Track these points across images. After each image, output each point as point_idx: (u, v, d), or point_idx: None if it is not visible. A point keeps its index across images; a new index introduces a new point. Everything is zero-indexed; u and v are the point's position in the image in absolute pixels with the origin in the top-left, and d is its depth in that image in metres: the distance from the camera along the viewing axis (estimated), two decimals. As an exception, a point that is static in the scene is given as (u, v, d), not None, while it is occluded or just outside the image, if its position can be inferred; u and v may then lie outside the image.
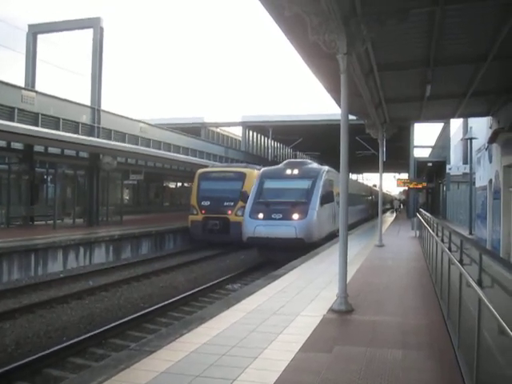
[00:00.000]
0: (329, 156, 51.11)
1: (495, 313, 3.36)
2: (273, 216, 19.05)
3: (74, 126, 26.13)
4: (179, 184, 51.04)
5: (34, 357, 8.47)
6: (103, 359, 7.75)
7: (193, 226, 25.95)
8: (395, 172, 72.01)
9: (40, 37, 29.57)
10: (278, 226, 18.76)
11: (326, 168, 22.06)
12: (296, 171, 21.05)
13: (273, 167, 23.51)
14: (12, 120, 21.56)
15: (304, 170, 21.31)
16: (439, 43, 10.69)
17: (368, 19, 8.44)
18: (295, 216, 18.94)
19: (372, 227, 29.48)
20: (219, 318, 7.57)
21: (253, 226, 19.05)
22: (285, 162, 23.54)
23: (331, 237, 20.74)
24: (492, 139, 17.01)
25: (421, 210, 24.79)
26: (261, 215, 19.27)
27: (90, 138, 24.35)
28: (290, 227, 18.61)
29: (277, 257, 18.52)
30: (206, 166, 30.19)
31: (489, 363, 4.10)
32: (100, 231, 22.10)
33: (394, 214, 49.31)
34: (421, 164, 44.44)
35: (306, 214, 19.03)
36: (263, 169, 22.84)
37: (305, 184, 20.32)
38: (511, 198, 15.13)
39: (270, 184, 20.79)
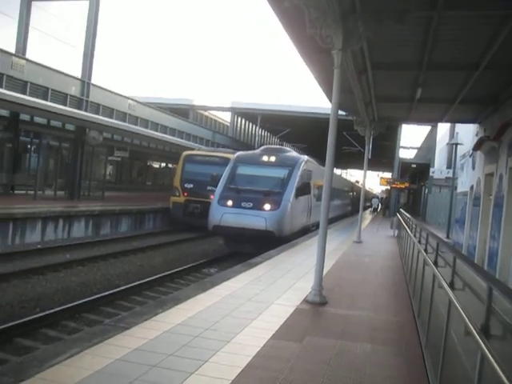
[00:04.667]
0: (315, 149, 51.19)
1: (464, 315, 3.47)
2: (243, 204, 17.85)
3: (62, 98, 25.85)
4: (163, 164, 50.80)
5: (5, 325, 8.48)
6: (76, 333, 7.80)
7: (174, 208, 25.96)
8: (379, 170, 72.43)
9: (34, 3, 29.15)
10: (247, 215, 17.54)
11: (305, 157, 21.08)
12: (273, 158, 19.72)
13: (249, 152, 22.28)
14: (0, 86, 21.29)
15: (281, 157, 20.00)
16: (433, 48, 10.79)
17: (366, 17, 8.51)
18: (267, 206, 17.78)
19: (351, 223, 29.68)
20: (194, 301, 7.65)
21: (220, 213, 17.87)
22: (262, 147, 22.53)
23: (304, 232, 20.17)
24: (477, 147, 17.20)
25: (401, 210, 25.01)
26: (230, 202, 18.07)
27: (78, 111, 24.14)
28: (260, 218, 17.47)
29: (244, 249, 17.56)
30: (192, 149, 30.13)
31: (453, 363, 4.23)
32: (81, 205, 22.01)
33: (372, 215, 49.06)
34: (405, 165, 44.78)
35: (278, 205, 17.88)
36: (238, 153, 21.59)
37: (281, 173, 19.11)
38: (490, 205, 15.32)
39: (243, 170, 19.49)
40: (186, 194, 25.54)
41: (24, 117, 24.46)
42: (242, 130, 59.53)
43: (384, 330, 7.24)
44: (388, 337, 6.89)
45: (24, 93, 22.53)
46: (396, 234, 23.52)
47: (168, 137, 34.17)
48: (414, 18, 9.05)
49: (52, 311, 9.67)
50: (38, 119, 25.57)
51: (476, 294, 3.77)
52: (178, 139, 35.89)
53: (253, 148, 34.63)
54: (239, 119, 57.45)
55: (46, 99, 23.69)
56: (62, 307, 10.01)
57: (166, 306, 7.15)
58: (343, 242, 19.00)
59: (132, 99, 34.01)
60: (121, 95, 32.38)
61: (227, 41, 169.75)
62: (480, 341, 2.91)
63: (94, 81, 28.40)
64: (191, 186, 25.58)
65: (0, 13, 26.22)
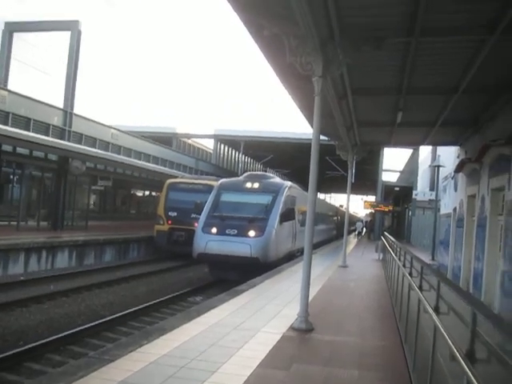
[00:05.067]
0: (298, 174, 51.46)
1: (448, 340, 3.48)
2: (227, 232, 17.74)
3: (44, 128, 25.85)
4: (147, 193, 50.63)
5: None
6: (61, 366, 7.68)
7: (158, 236, 25.83)
8: (363, 194, 72.83)
9: (16, 35, 29.30)
10: (231, 242, 17.44)
11: (288, 183, 21.10)
12: (256, 185, 19.75)
13: (232, 179, 22.33)
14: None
15: (265, 184, 20.04)
16: (412, 73, 10.97)
17: (345, 44, 8.65)
18: (251, 233, 17.71)
19: (336, 248, 29.71)
20: (180, 330, 7.58)
21: (204, 241, 17.75)
22: (245, 174, 22.58)
23: (289, 258, 20.07)
24: (458, 169, 17.41)
25: (385, 233, 25.07)
26: (214, 230, 17.97)
27: (61, 141, 24.12)
28: (245, 245, 17.37)
29: (229, 276, 17.50)
30: (176, 177, 30.09)
31: (441, 388, 4.23)
32: (64, 235, 21.81)
33: (357, 239, 48.97)
34: (388, 188, 45.08)
35: (263, 231, 17.84)
36: (221, 180, 21.62)
37: (264, 199, 19.12)
38: (473, 226, 15.46)
39: (226, 197, 19.50)
40: (169, 222, 25.46)
41: (6, 147, 24.33)
42: (225, 157, 59.74)
43: (371, 355, 7.22)
44: (375, 362, 6.87)
45: (6, 124, 22.48)
46: (381, 258, 23.57)
47: (151, 165, 34.18)
48: (392, 44, 9.21)
49: (36, 344, 9.52)
50: (20, 150, 25.44)
51: (461, 317, 3.79)
52: (161, 167, 35.92)
53: (236, 175, 34.71)
54: (222, 146, 57.68)
55: (28, 130, 23.69)
56: (46, 340, 9.85)
57: (152, 336, 7.07)
58: (328, 266, 19.00)
59: (115, 128, 34.05)
60: (103, 125, 32.42)
61: (209, 68, 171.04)
62: (465, 366, 2.92)
63: (76, 110, 28.46)
64: (175, 213, 25.51)
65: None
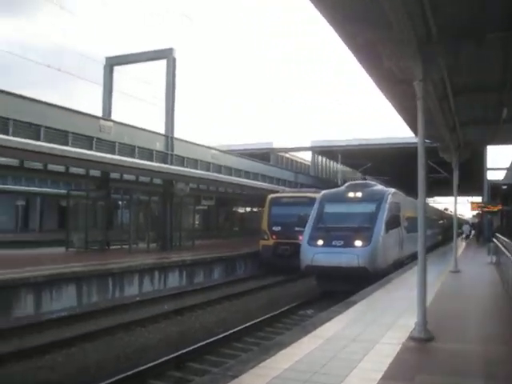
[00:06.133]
0: (399, 180, 50.37)
1: None
2: (333, 243, 17.66)
3: (148, 154, 26.94)
4: (248, 209, 51.40)
5: (113, 379, 8.72)
6: (182, 383, 7.90)
7: (263, 251, 26.11)
8: (467, 195, 70.05)
9: (116, 68, 30.76)
10: (338, 253, 17.33)
11: (391, 190, 20.81)
12: (359, 194, 19.54)
13: (333, 190, 22.22)
14: (91, 149, 22.46)
15: (367, 192, 19.82)
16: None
17: (443, 44, 8.39)
18: (358, 243, 17.53)
19: (444, 253, 28.70)
20: (298, 344, 7.60)
21: (311, 253, 17.79)
22: (346, 184, 22.52)
23: (397, 266, 19.51)
24: None
25: (497, 234, 23.97)
26: (320, 242, 17.95)
27: (165, 166, 25.09)
28: (352, 255, 17.23)
29: (337, 288, 17.01)
30: (276, 191, 30.38)
31: None
32: (173, 256, 22.56)
33: (464, 242, 46.93)
34: (495, 186, 43.15)
35: (369, 240, 17.59)
36: (323, 192, 21.55)
37: (368, 208, 18.89)
38: None
39: (330, 208, 19.43)
40: (274, 236, 25.68)
41: (114, 175, 25.61)
42: (324, 168, 59.57)
43: (498, 363, 6.92)
44: (503, 371, 6.58)
45: (112, 152, 23.64)
46: (494, 261, 22.54)
47: (251, 182, 34.71)
48: (494, 39, 8.85)
49: (157, 362, 9.84)
50: (127, 176, 26.67)
51: None
52: (261, 183, 36.39)
53: (336, 185, 34.55)
54: (320, 158, 57.59)
55: (132, 156, 24.75)
56: (166, 357, 10.16)
57: (271, 351, 7.14)
58: (440, 272, 18.38)
59: (214, 149, 34.92)
60: (203, 146, 33.34)
61: (303, 80, 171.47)
62: None
63: (176, 134, 29.44)
64: (279, 228, 25.72)
65: (84, 80, 27.73)
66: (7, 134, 18.47)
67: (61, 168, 23.36)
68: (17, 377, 9.33)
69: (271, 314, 14.82)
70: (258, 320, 13.95)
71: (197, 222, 38.74)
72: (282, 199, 27.26)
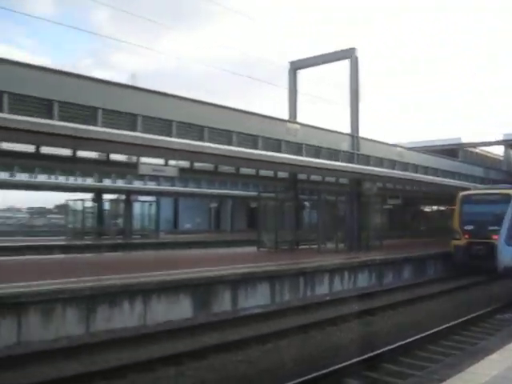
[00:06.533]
0: None
1: None
2: None
3: (333, 154, 27.16)
4: (435, 208, 49.68)
5: (310, 376, 8.91)
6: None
7: (455, 251, 25.07)
8: None
9: (298, 72, 31.43)
10: None
11: None
12: None
13: None
14: (279, 151, 23.23)
15: None
16: None
17: None
18: None
19: None
20: (506, 351, 7.21)
21: (509, 254, 17.02)
22: None
23: None
24: None
25: None
26: None
27: (353, 165, 25.18)
28: None
29: None
30: (467, 189, 29.06)
31: None
32: (362, 256, 22.61)
33: None
34: None
35: None
36: None
37: None
38: None
39: None
40: (466, 235, 24.56)
41: (301, 176, 26.23)
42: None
43: None
44: None
45: (299, 154, 24.23)
46: None
47: (439, 179, 33.51)
48: None
49: (352, 361, 9.87)
50: (313, 177, 27.17)
51: None
52: (450, 180, 34.98)
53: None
54: (513, 152, 53.72)
55: (318, 157, 25.15)
56: (360, 357, 10.15)
57: (477, 356, 6.89)
58: None
59: (399, 146, 34.21)
60: (388, 144, 32.83)
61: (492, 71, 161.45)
62: None
63: (360, 133, 29.34)
64: (471, 227, 24.54)
65: (271, 85, 28.77)
66: (202, 140, 19.61)
67: (252, 171, 24.58)
68: (219, 367, 9.92)
69: (466, 318, 14.24)
70: (452, 324, 13.45)
71: (383, 222, 38.33)
72: (475, 196, 26.04)
